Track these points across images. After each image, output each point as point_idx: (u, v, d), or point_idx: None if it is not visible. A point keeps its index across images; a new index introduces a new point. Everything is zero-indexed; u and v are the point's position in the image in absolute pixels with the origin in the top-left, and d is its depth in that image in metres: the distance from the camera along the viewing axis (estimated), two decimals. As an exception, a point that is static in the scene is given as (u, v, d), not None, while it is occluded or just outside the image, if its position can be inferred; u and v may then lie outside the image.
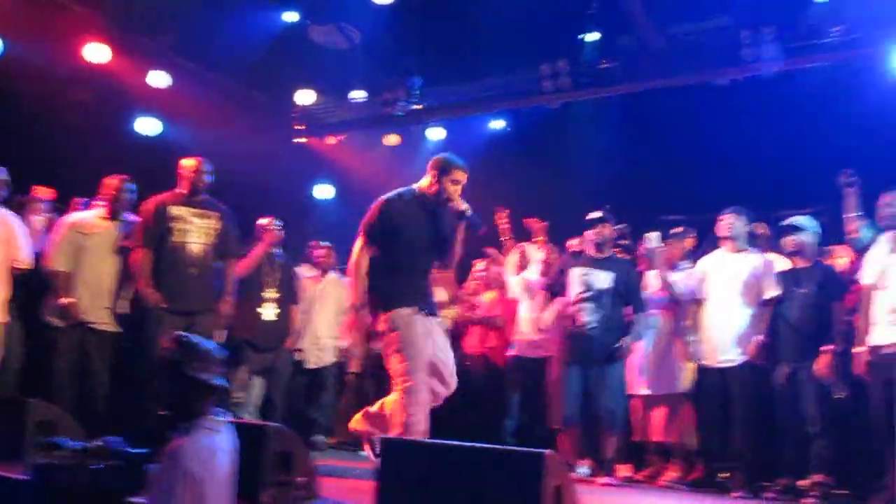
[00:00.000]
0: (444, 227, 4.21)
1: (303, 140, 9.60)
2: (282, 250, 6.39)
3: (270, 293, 6.20)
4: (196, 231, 5.41)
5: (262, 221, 6.27)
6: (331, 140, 9.58)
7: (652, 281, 5.61)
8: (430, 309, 4.16)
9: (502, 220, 6.46)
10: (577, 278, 5.36)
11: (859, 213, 5.07)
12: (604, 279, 5.29)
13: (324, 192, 9.84)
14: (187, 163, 5.48)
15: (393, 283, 4.07)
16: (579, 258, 5.53)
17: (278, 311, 6.21)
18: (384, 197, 4.24)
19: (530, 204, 6.80)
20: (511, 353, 6.16)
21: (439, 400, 4.11)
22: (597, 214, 5.42)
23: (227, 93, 8.65)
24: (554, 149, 8.66)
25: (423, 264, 4.23)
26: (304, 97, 9.35)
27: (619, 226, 5.82)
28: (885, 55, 6.67)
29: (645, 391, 5.54)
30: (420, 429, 3.88)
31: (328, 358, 6.74)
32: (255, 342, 6.10)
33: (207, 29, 7.83)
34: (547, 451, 2.59)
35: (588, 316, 5.27)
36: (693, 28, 7.77)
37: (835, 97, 6.96)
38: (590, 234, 5.44)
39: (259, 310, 6.13)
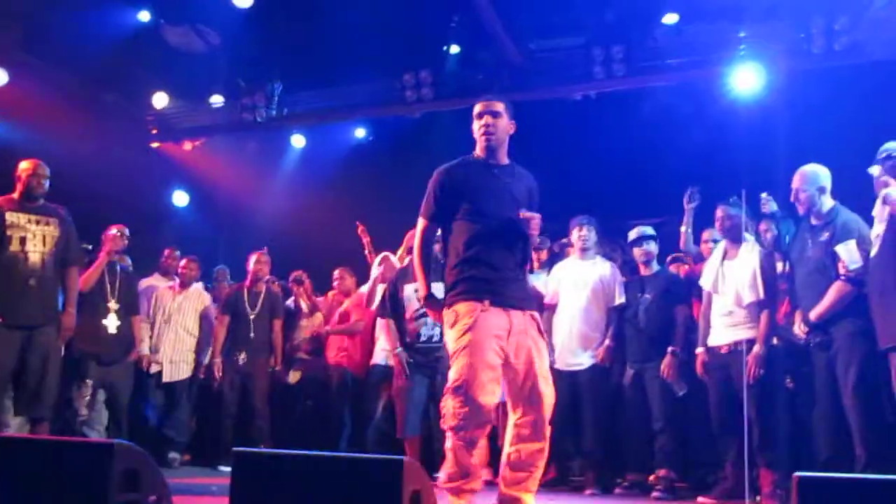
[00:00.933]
0: None
1: (157, 145, 9.24)
2: (128, 259, 6.12)
3: (113, 304, 5.94)
4: (34, 239, 5.05)
5: (112, 231, 5.99)
6: (187, 145, 9.26)
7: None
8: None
9: (363, 232, 6.48)
10: (411, 294, 5.40)
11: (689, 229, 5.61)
12: (438, 291, 5.34)
13: (180, 199, 9.50)
14: (23, 165, 5.12)
15: None
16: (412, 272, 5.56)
17: (119, 323, 5.97)
18: None
19: (392, 213, 6.84)
20: (373, 361, 6.16)
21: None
22: None
23: (75, 93, 8.17)
24: (415, 158, 8.74)
25: None
26: (159, 100, 9.01)
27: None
28: (724, 76, 7.18)
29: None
30: None
31: (184, 372, 6.52)
32: (98, 355, 5.82)
33: (54, 25, 7.38)
34: (405, 458, 2.60)
35: (428, 330, 5.32)
36: (549, 45, 8.07)
37: (679, 114, 7.41)
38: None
39: (103, 322, 5.86)
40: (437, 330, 5.23)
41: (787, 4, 7.11)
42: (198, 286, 6.75)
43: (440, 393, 5.11)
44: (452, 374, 3.24)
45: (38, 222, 5.09)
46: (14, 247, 4.98)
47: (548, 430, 3.28)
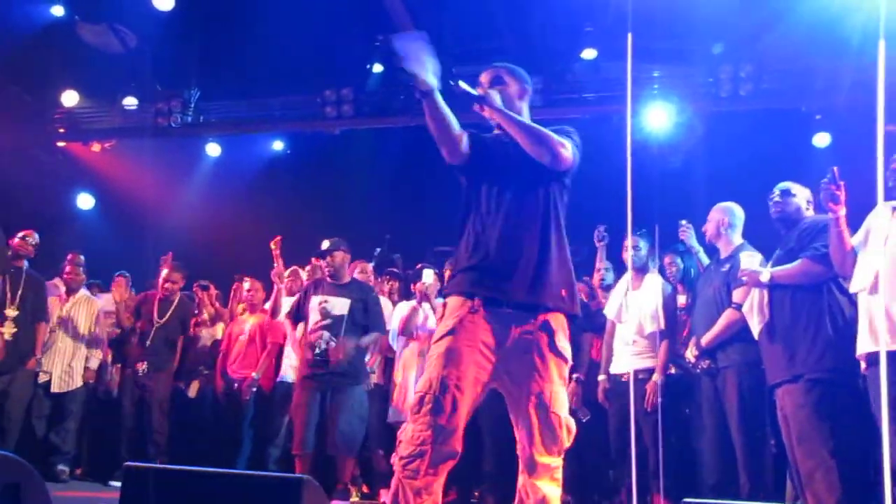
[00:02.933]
0: None
1: (63, 144, 8.92)
2: (27, 263, 5.87)
3: (11, 311, 5.67)
4: None
5: (18, 236, 5.76)
6: (96, 147, 8.98)
7: (427, 311, 5.70)
8: None
9: (276, 244, 6.40)
10: (315, 306, 5.38)
11: (606, 266, 5.74)
12: (340, 306, 5.37)
13: (86, 201, 9.17)
14: None
15: None
16: (319, 286, 5.57)
17: (15, 329, 5.71)
18: None
19: (306, 227, 6.79)
20: (279, 377, 6.06)
21: None
22: (326, 244, 5.47)
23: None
24: (332, 175, 8.72)
25: None
26: (69, 98, 8.71)
27: (393, 255, 5.95)
28: (638, 113, 7.43)
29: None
30: None
31: (75, 383, 6.26)
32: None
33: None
34: (305, 476, 2.57)
35: (323, 344, 5.28)
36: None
37: (593, 147, 7.61)
38: (322, 263, 5.51)
39: (0, 329, 5.60)
40: (333, 344, 5.21)
41: (699, 50, 7.46)
42: (85, 292, 6.51)
43: (332, 409, 5.15)
44: (417, 386, 2.68)
45: None
46: None
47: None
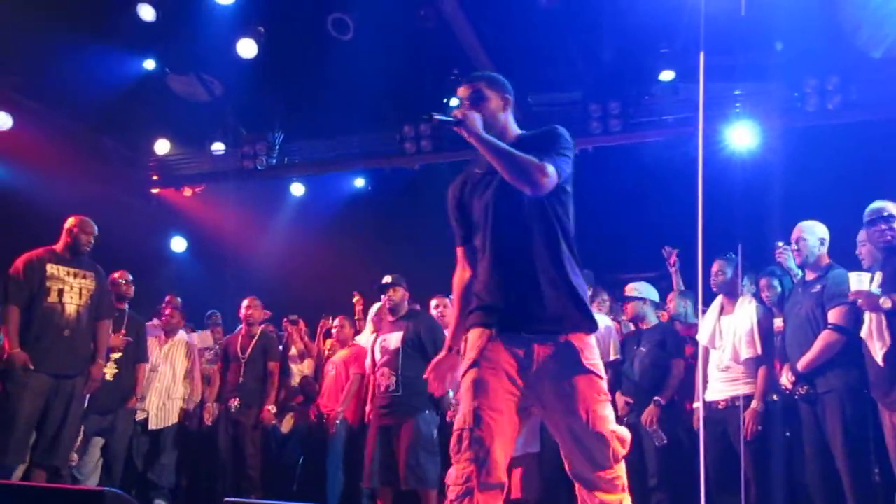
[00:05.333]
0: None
1: (157, 190, 9.32)
2: (128, 305, 6.13)
3: (114, 353, 5.92)
4: (71, 291, 5.20)
5: (114, 275, 6.01)
6: (187, 192, 9.34)
7: None
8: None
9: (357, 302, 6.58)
10: (378, 347, 5.46)
11: (681, 290, 5.63)
12: (395, 340, 5.39)
13: (178, 244, 9.53)
14: (72, 220, 5.30)
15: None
16: (381, 326, 5.64)
17: (117, 370, 5.95)
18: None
19: (388, 262, 6.86)
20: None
21: None
22: (388, 279, 5.52)
23: (77, 137, 8.27)
24: (413, 209, 8.81)
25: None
26: (161, 147, 9.11)
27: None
28: (720, 133, 7.28)
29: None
30: None
31: (171, 419, 6.47)
32: (93, 402, 5.78)
33: (59, 70, 7.49)
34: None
35: (386, 379, 5.33)
36: (547, 99, 8.20)
37: (674, 168, 7.49)
38: (384, 298, 5.55)
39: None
40: (393, 379, 5.25)
41: (781, 64, 7.26)
42: (182, 334, 6.76)
43: (397, 444, 5.15)
44: (455, 425, 2.62)
45: (76, 275, 5.25)
46: (52, 298, 5.12)
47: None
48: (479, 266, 2.75)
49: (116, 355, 5.93)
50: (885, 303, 3.84)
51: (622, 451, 2.58)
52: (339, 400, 6.13)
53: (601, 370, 2.67)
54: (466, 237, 2.84)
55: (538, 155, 2.63)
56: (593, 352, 2.68)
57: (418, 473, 5.14)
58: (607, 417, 2.60)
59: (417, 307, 5.80)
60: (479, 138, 2.67)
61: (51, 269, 5.17)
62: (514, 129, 2.89)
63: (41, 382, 4.96)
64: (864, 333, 4.03)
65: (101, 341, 5.40)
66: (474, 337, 2.66)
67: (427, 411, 5.28)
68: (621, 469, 2.59)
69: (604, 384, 2.65)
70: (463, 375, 2.63)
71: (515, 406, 2.58)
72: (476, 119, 2.70)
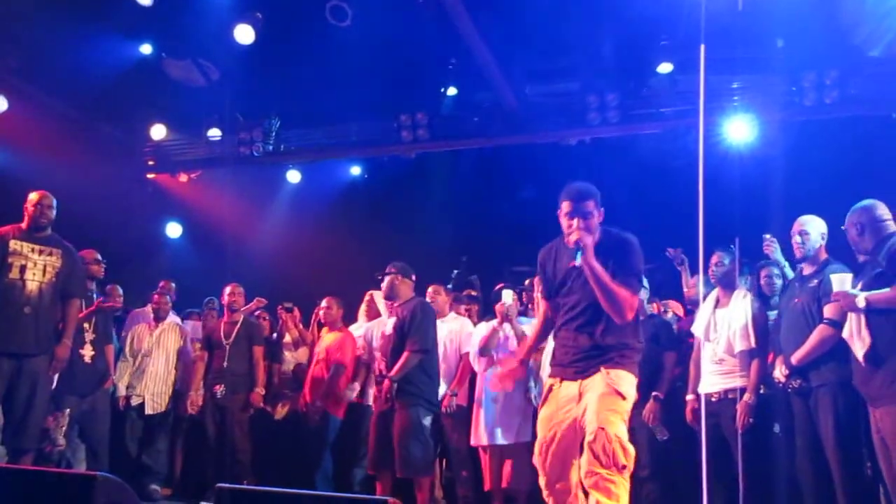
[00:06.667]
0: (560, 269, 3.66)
1: (153, 176, 9.29)
2: (95, 285, 6.12)
3: (89, 334, 5.92)
4: (34, 268, 5.06)
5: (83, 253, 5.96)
6: (183, 177, 9.32)
7: (508, 332, 5.64)
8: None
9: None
10: (378, 329, 5.61)
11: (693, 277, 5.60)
12: (390, 326, 5.39)
13: (174, 230, 9.52)
14: (31, 196, 5.17)
15: None
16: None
17: (93, 352, 5.95)
18: None
19: (384, 250, 6.85)
20: (365, 400, 6.12)
21: None
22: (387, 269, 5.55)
23: (73, 122, 8.24)
24: (409, 197, 8.81)
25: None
26: (157, 132, 9.08)
27: (470, 277, 5.95)
28: (718, 125, 7.28)
29: (501, 441, 5.52)
30: None
31: (164, 404, 6.50)
32: (73, 386, 5.78)
33: (55, 54, 7.44)
34: (389, 499, 2.58)
35: (379, 364, 5.37)
36: (545, 90, 8.18)
37: (672, 161, 7.49)
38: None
39: (80, 351, 5.84)
40: (383, 364, 5.28)
41: (780, 58, 7.25)
42: (172, 318, 6.76)
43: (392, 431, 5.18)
44: None
45: (41, 252, 5.10)
46: (13, 274, 4.98)
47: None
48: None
49: (91, 336, 5.91)
50: (860, 301, 3.87)
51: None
52: (319, 392, 6.10)
53: None
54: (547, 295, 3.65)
55: (618, 268, 3.30)
56: None
57: (407, 460, 5.13)
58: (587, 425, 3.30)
59: (414, 295, 5.73)
60: (592, 270, 3.25)
61: (14, 245, 5.02)
62: (598, 232, 3.44)
63: (3, 364, 4.84)
64: (845, 333, 4.05)
65: (70, 321, 5.22)
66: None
67: (419, 398, 5.24)
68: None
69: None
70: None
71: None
72: (590, 245, 3.28)
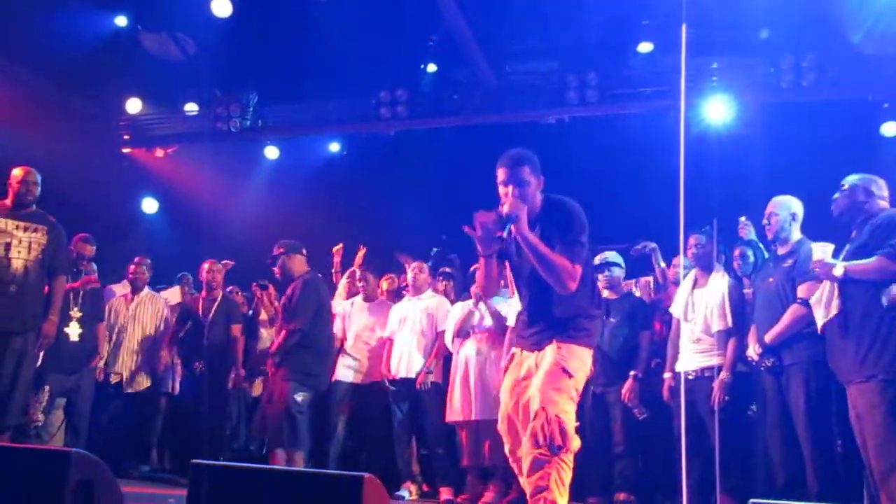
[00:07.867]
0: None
1: (128, 151, 9.18)
2: (94, 266, 6.07)
3: (76, 312, 5.87)
4: (19, 245, 5.02)
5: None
6: (159, 152, 9.21)
7: (483, 312, 5.68)
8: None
9: (337, 252, 6.51)
10: None
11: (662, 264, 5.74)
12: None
13: (150, 205, 9.43)
14: (14, 172, 5.11)
15: None
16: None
17: (81, 330, 5.89)
18: None
19: (363, 228, 6.85)
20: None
21: None
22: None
23: (46, 95, 8.09)
24: (388, 174, 8.77)
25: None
26: (133, 106, 8.96)
27: (450, 255, 5.95)
28: (696, 107, 7.30)
29: (476, 417, 5.58)
30: None
31: (145, 381, 6.44)
32: (58, 363, 5.73)
33: (27, 26, 7.29)
34: (366, 475, 2.59)
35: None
36: (524, 68, 8.16)
37: (650, 141, 7.51)
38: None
39: (66, 329, 5.78)
40: None
41: (758, 40, 7.28)
42: (149, 290, 6.69)
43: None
44: None
45: (25, 229, 5.05)
46: None
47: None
48: None
49: (77, 314, 5.87)
50: (838, 269, 3.89)
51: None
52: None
53: None
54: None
55: (560, 239, 3.12)
56: None
57: (274, 431, 5.22)
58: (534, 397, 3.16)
59: (307, 269, 5.62)
60: (525, 240, 3.08)
61: None
62: (538, 199, 3.27)
63: None
64: (812, 300, 4.10)
65: (56, 297, 5.20)
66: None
67: (295, 373, 5.20)
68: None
69: None
70: None
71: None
72: (524, 214, 3.08)
